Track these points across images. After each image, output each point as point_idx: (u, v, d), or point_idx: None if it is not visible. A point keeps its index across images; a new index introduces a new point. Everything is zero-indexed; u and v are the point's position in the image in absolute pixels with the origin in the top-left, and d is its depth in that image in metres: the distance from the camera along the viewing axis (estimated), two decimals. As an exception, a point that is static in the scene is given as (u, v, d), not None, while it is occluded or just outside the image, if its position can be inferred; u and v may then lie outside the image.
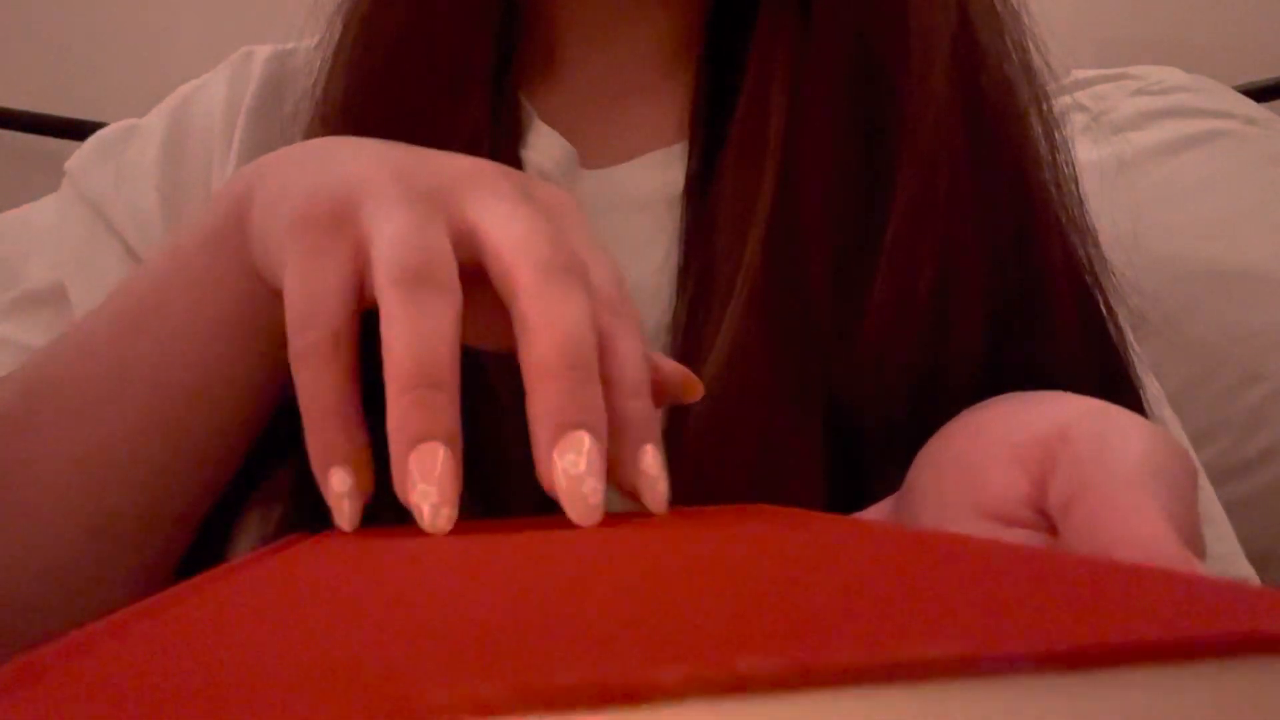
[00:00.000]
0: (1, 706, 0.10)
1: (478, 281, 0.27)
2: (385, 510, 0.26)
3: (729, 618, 0.12)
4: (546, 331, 0.25)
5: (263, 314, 0.32)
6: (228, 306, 0.33)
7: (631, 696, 0.09)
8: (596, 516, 0.24)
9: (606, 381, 0.26)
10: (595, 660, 0.10)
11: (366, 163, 0.29)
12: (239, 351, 0.34)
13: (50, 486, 0.35)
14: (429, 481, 0.24)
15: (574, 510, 0.24)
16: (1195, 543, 0.23)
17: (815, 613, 0.12)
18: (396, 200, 0.27)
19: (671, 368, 0.31)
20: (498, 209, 0.27)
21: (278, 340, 0.29)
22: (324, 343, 0.26)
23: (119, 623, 0.15)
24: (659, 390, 0.29)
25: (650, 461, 0.27)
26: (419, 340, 0.24)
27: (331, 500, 0.26)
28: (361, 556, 0.21)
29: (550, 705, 0.09)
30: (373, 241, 0.27)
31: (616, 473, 0.27)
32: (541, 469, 0.24)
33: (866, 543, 0.20)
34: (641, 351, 0.28)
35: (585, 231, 0.30)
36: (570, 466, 0.24)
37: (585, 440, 0.24)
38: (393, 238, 0.26)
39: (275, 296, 0.29)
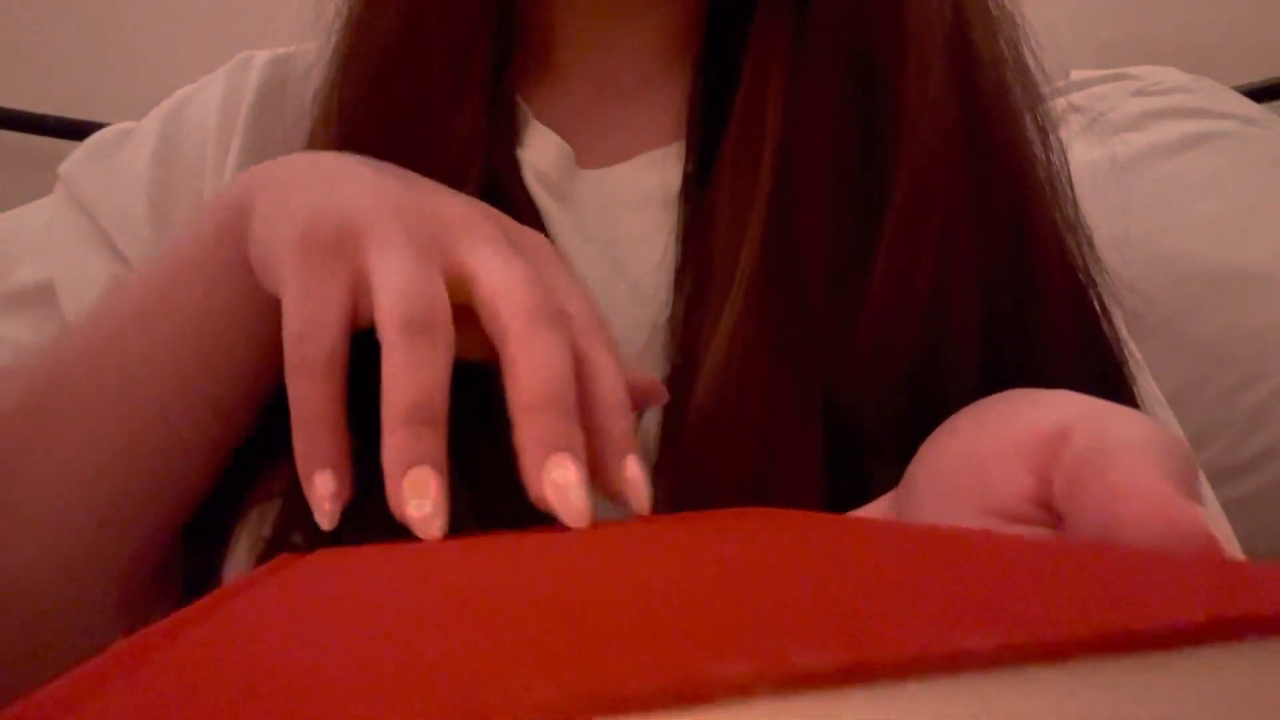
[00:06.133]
0: None
1: (468, 312, 0.31)
2: (374, 530, 0.29)
3: (773, 616, 0.12)
4: (532, 374, 0.29)
5: (261, 305, 0.35)
6: (240, 293, 0.35)
7: (700, 695, 0.09)
8: (586, 518, 0.27)
9: (591, 402, 0.30)
10: (656, 661, 0.10)
11: (368, 194, 0.32)
12: (243, 336, 0.36)
13: (63, 476, 0.37)
14: (421, 496, 0.27)
15: (566, 513, 0.27)
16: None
17: (855, 610, 0.12)
18: (399, 243, 0.30)
19: (639, 375, 0.35)
20: (490, 259, 0.31)
21: (263, 334, 0.35)
22: (320, 359, 0.30)
23: (169, 630, 0.15)
24: (633, 397, 0.33)
25: (633, 470, 0.30)
26: (415, 386, 0.28)
27: (314, 501, 0.30)
28: (377, 569, 0.21)
29: (618, 708, 0.09)
30: (376, 280, 0.30)
31: (603, 481, 0.30)
32: (531, 486, 0.28)
33: (873, 540, 0.20)
34: (619, 373, 0.32)
35: (562, 268, 0.35)
36: (559, 479, 0.27)
37: (567, 459, 0.28)
38: (397, 283, 0.29)
39: (266, 296, 0.33)
